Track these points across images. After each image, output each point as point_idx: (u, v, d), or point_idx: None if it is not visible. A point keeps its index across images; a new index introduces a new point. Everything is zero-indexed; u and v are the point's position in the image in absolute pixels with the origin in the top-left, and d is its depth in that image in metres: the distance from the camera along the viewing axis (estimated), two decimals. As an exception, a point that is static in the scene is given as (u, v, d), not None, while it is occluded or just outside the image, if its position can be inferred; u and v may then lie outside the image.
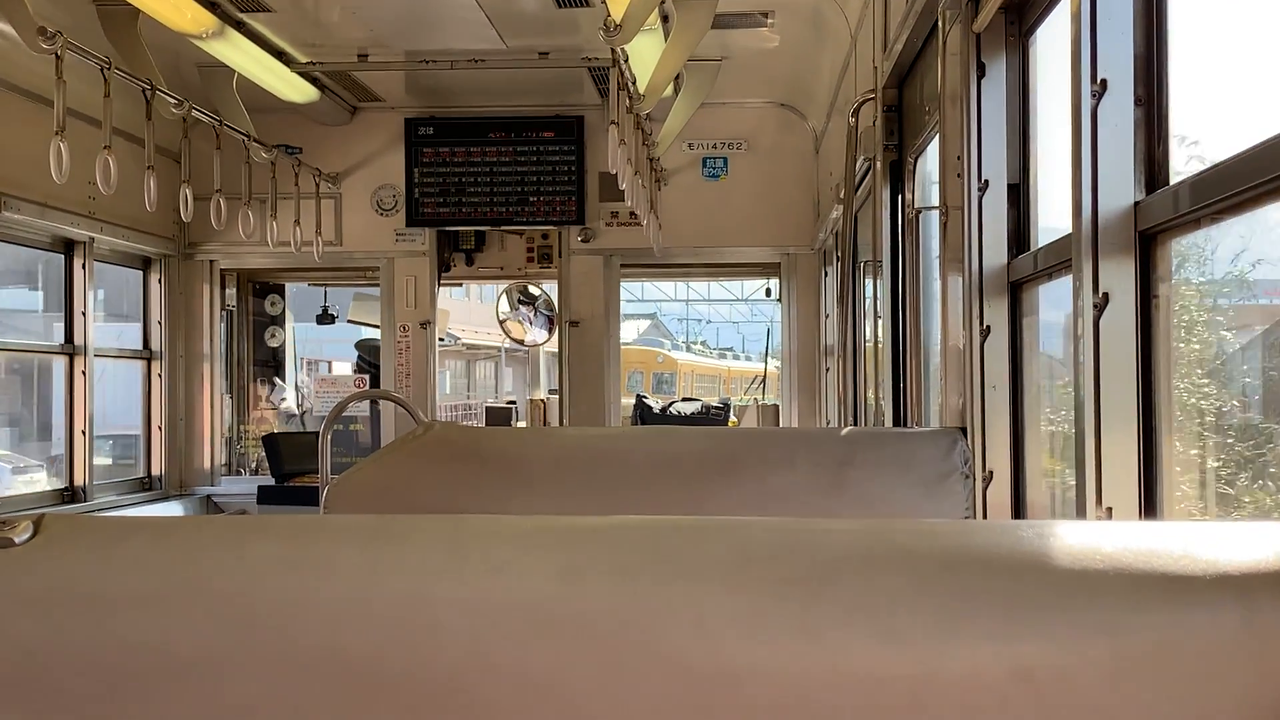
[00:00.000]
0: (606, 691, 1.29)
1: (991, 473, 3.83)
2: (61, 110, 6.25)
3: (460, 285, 14.57)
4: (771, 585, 1.33)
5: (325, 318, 14.44)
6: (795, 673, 1.27)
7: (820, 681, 1.26)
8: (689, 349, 39.37)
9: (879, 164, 5.89)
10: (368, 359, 12.66)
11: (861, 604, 1.29)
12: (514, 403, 15.08)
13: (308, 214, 9.98)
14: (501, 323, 12.63)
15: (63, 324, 9.34)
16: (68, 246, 9.18)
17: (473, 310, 26.94)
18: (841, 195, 6.96)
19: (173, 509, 10.31)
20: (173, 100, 7.59)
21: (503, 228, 10.88)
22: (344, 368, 14.92)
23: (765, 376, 15.60)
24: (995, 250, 3.93)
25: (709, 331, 44.06)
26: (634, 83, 7.07)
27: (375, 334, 12.37)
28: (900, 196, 5.89)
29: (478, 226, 10.85)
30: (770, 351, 16.33)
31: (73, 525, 1.49)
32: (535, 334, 12.50)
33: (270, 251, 9.88)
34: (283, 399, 12.27)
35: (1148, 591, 1.27)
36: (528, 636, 1.31)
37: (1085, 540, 1.37)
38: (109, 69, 6.82)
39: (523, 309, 12.25)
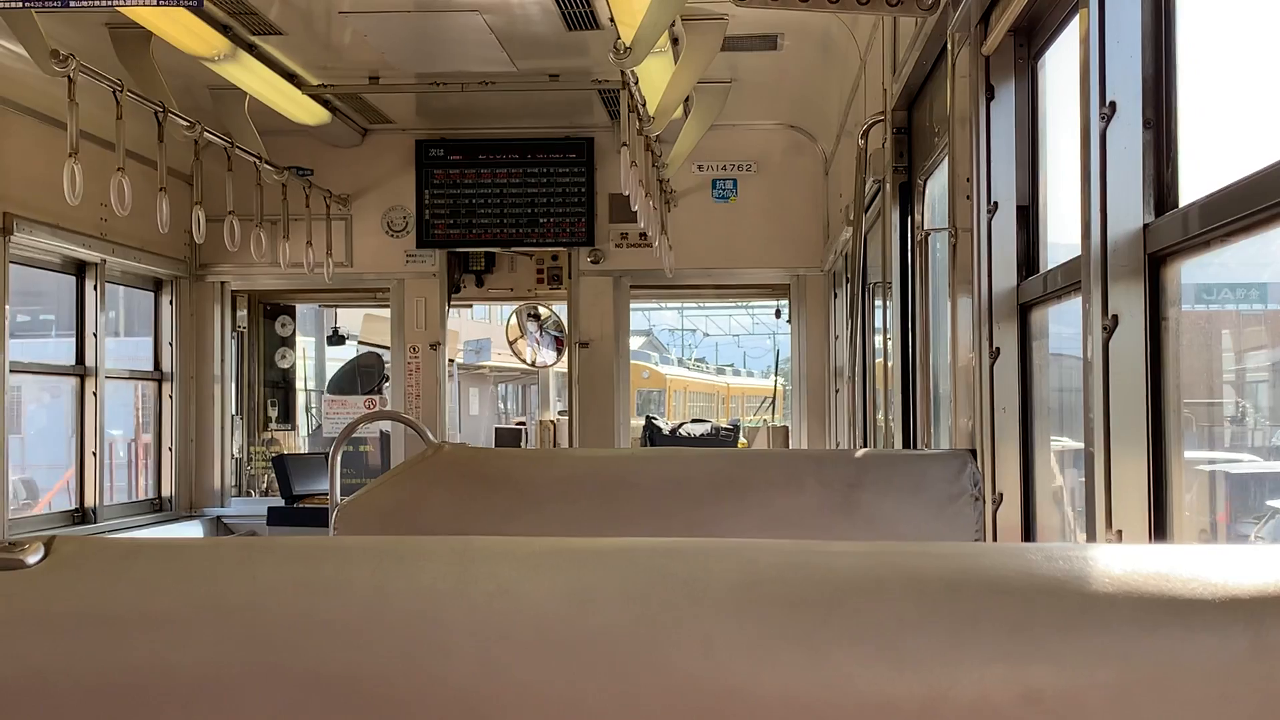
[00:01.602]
0: (614, 713, 1.29)
1: (1001, 495, 3.82)
2: (75, 132, 6.28)
3: (470, 306, 14.58)
4: (779, 608, 1.33)
5: (335, 339, 14.47)
6: (803, 695, 1.27)
7: (828, 704, 1.26)
8: (681, 364, 35.25)
9: (888, 186, 5.89)
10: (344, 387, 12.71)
11: (869, 626, 1.29)
12: (523, 423, 15.08)
13: (318, 235, 10.01)
14: (511, 344, 12.63)
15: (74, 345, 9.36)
16: (79, 268, 9.21)
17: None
18: (851, 217, 6.96)
19: (183, 530, 10.31)
20: (185, 123, 7.62)
21: (513, 249, 10.89)
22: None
23: (775, 396, 15.49)
24: (1005, 272, 3.93)
25: (707, 347, 40.38)
26: (644, 105, 7.09)
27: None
28: (910, 218, 5.89)
29: (488, 248, 10.86)
30: (776, 368, 16.20)
31: (83, 546, 1.50)
32: (544, 355, 12.50)
33: (281, 273, 9.90)
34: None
35: (1157, 615, 1.27)
36: (536, 658, 1.31)
37: (1094, 563, 1.37)
38: (121, 91, 6.85)
39: (530, 328, 12.25)
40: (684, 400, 30.23)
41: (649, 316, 34.52)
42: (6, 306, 7.94)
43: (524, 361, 12.86)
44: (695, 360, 37.98)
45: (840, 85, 8.35)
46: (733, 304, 32.32)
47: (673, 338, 38.40)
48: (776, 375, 15.71)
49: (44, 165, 7.61)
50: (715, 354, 41.06)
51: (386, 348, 11.56)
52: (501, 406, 26.63)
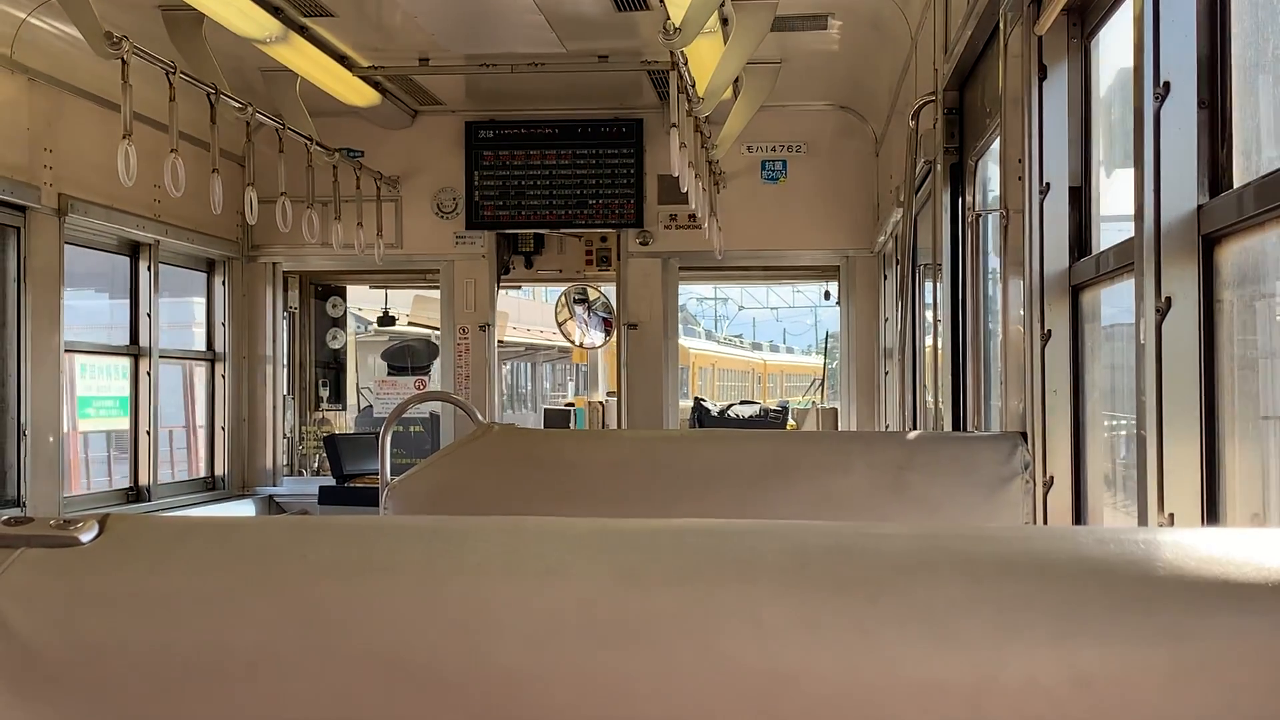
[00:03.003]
0: (663, 693, 1.29)
1: (1052, 478, 3.80)
2: (128, 114, 6.33)
3: (519, 287, 14.60)
4: (828, 589, 1.33)
5: (386, 319, 14.53)
6: (852, 676, 1.26)
7: (877, 685, 1.26)
8: (710, 337, 30.68)
9: (939, 166, 5.86)
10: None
11: (919, 608, 1.29)
12: (572, 404, 15.11)
13: (369, 217, 10.05)
14: (560, 325, 12.66)
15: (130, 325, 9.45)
16: (133, 249, 9.29)
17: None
18: (902, 198, 6.93)
19: (235, 509, 10.40)
20: (237, 104, 7.66)
21: (561, 230, 10.91)
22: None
23: (824, 375, 15.40)
24: (1056, 253, 3.91)
25: (743, 324, 36.19)
26: (693, 85, 7.07)
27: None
28: (961, 199, 5.86)
29: (537, 229, 10.88)
30: (818, 344, 16.05)
31: (137, 525, 1.51)
32: (592, 336, 12.52)
33: (332, 254, 9.95)
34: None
35: (1209, 598, 1.26)
36: (585, 638, 1.32)
37: (1146, 546, 1.36)
38: (174, 73, 6.89)
39: (579, 310, 12.27)
40: (712, 379, 26.56)
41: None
42: (63, 287, 8.02)
43: (572, 343, 12.89)
44: (726, 338, 33.61)
45: (891, 65, 8.30)
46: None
47: (701, 308, 33.81)
48: (825, 356, 15.58)
49: (98, 147, 7.68)
50: (753, 329, 37.76)
51: (436, 329, 11.60)
52: (504, 390, 21.97)
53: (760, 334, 38.24)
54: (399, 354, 13.42)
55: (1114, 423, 3.84)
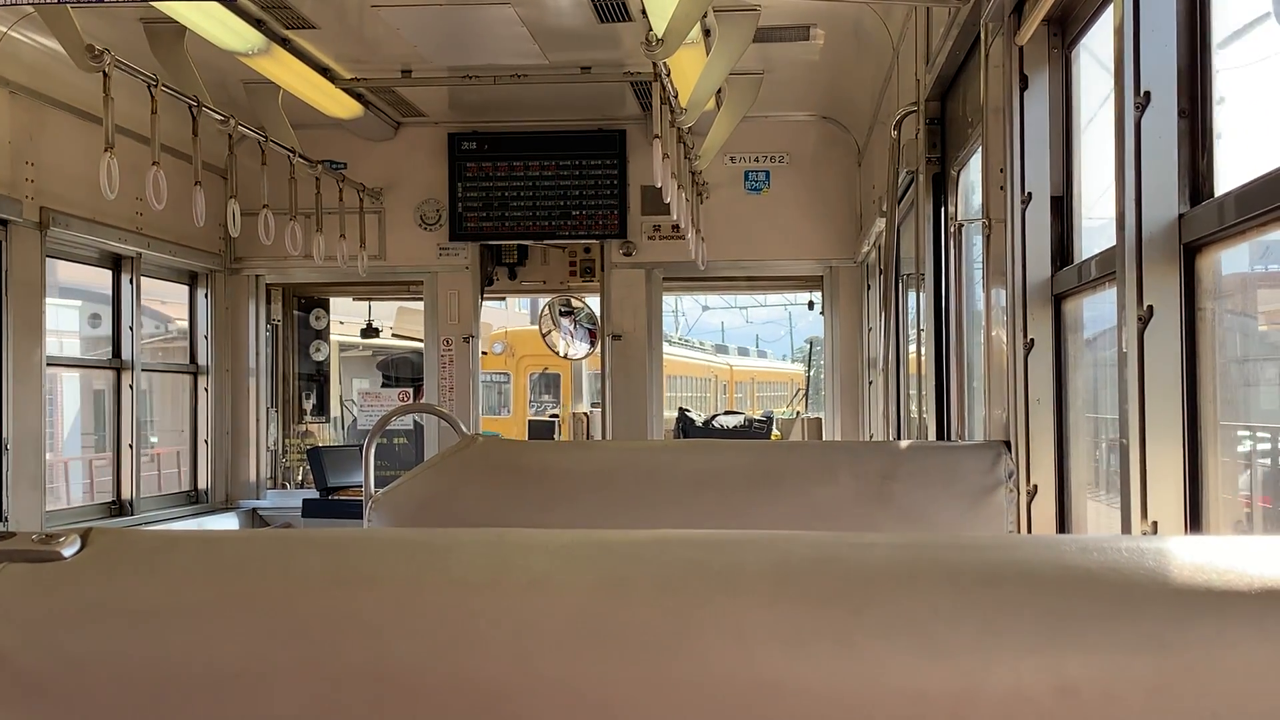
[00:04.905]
0: (646, 704, 1.29)
1: (1036, 486, 3.80)
2: (110, 127, 6.31)
3: (503, 299, 14.59)
4: (812, 599, 1.33)
5: (369, 331, 14.51)
6: (836, 686, 1.26)
7: (861, 695, 1.26)
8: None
9: (922, 176, 5.87)
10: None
11: (903, 618, 1.29)
12: (556, 416, 15.11)
13: (352, 229, 10.02)
14: (544, 336, 12.66)
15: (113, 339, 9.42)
16: (115, 262, 9.26)
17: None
18: (884, 208, 6.94)
19: (218, 522, 10.37)
20: (219, 117, 7.64)
21: (545, 242, 10.90)
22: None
23: (808, 382, 15.39)
24: (1039, 263, 3.92)
25: (710, 330, 33.47)
26: (676, 96, 7.07)
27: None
28: (943, 209, 5.87)
29: (520, 240, 10.87)
30: (794, 349, 16.03)
31: (120, 539, 1.51)
32: (577, 348, 12.51)
33: (314, 266, 9.92)
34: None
35: (1193, 606, 1.26)
36: (569, 649, 1.32)
37: (1129, 554, 1.37)
38: (156, 86, 6.88)
39: (564, 321, 12.27)
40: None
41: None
42: (45, 300, 8.00)
43: (557, 354, 12.89)
44: (682, 339, 30.04)
45: (873, 76, 8.32)
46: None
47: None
48: (808, 364, 15.54)
49: (80, 160, 7.66)
50: (721, 333, 35.13)
51: (420, 340, 11.59)
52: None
53: (730, 337, 35.75)
54: (392, 365, 13.44)
55: (1097, 426, 3.85)
